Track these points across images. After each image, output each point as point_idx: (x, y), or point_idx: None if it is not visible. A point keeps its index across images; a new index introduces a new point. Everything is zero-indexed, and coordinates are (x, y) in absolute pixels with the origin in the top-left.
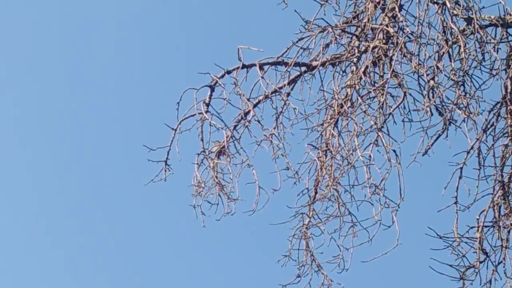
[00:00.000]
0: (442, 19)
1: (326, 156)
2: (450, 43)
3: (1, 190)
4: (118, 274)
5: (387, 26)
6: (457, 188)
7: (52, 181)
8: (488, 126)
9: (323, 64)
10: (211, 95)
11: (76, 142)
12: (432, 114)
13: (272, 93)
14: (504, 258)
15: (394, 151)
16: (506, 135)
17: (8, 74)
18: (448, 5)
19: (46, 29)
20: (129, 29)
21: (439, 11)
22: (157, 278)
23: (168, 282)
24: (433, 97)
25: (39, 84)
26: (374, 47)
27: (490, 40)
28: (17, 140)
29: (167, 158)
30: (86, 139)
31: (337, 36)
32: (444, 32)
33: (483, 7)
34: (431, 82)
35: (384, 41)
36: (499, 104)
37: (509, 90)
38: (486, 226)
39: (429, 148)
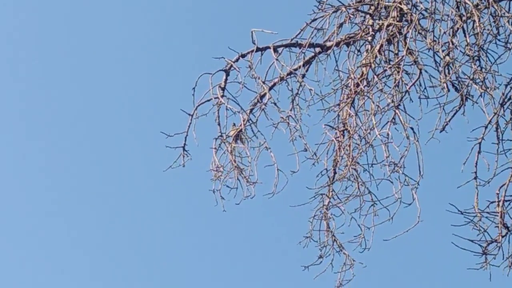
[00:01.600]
0: None
1: (343, 136)
2: (464, 18)
3: (17, 181)
4: (138, 260)
5: (400, 3)
6: (476, 163)
7: (69, 169)
8: (505, 100)
9: (337, 44)
10: (226, 79)
11: (93, 130)
12: (448, 90)
13: (287, 75)
14: None
15: (412, 128)
16: None
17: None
18: None
19: (69, 17)
20: (143, 15)
21: None
22: (178, 263)
23: (189, 267)
24: (449, 73)
25: (56, 71)
26: (388, 25)
27: (504, 13)
28: (32, 129)
29: (184, 144)
30: (104, 127)
31: (351, 16)
32: (457, 7)
33: None
34: (447, 58)
35: (398, 18)
36: None
37: None
38: (507, 201)
39: (447, 124)
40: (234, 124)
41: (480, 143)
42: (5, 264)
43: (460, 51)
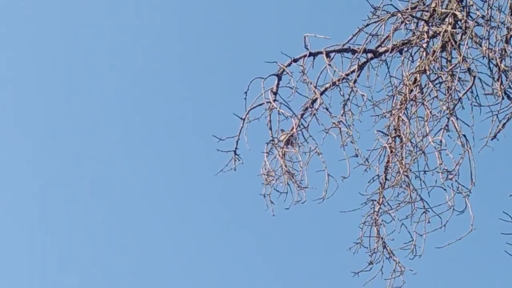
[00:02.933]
0: (511, 1)
1: (395, 142)
2: None
3: (42, 179)
4: (188, 263)
5: (455, 10)
6: None
7: (125, 173)
8: None
9: (390, 50)
10: (278, 83)
11: (148, 134)
12: (503, 98)
13: (339, 80)
14: None
15: (465, 136)
16: None
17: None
18: None
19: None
20: (197, 17)
21: None
22: (228, 266)
23: (239, 270)
24: (506, 80)
25: (113, 76)
26: (444, 32)
27: None
28: (75, 131)
29: (236, 148)
30: (157, 131)
31: (406, 22)
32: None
33: None
34: (502, 65)
35: (452, 25)
36: None
37: None
38: None
39: (499, 132)
40: (283, 130)
41: None
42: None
43: None
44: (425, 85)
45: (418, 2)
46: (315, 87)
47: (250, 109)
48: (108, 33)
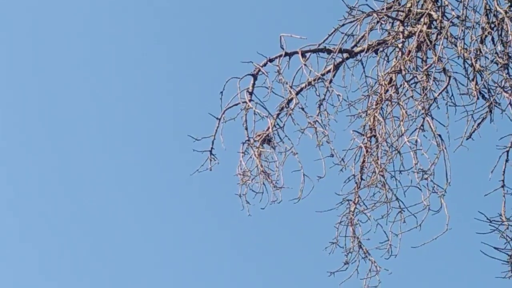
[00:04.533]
0: (486, 2)
1: (371, 142)
2: (493, 26)
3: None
4: (164, 263)
5: (430, 10)
6: (504, 172)
7: (102, 171)
8: None
9: (366, 50)
10: (254, 83)
11: (123, 133)
12: (478, 98)
13: (314, 80)
14: None
15: (440, 135)
16: None
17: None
18: None
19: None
20: (172, 19)
21: None
22: (204, 267)
23: (214, 271)
24: (481, 80)
25: (91, 77)
26: (419, 32)
27: None
28: (56, 133)
29: (212, 148)
30: (132, 131)
31: (382, 22)
32: (487, 15)
33: None
34: (477, 65)
35: (427, 25)
36: None
37: None
38: None
39: (474, 132)
40: (260, 130)
41: (508, 152)
42: None
43: (486, 58)
44: (401, 85)
45: (393, 2)
46: (291, 87)
47: (226, 109)
48: (87, 34)
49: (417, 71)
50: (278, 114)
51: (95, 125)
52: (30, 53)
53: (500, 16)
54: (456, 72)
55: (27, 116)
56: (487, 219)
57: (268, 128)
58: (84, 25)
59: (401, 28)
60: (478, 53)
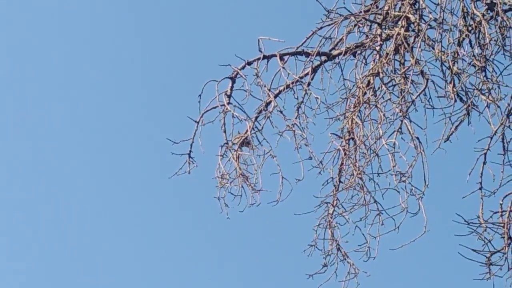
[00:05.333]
0: (463, 5)
1: (349, 145)
2: (470, 28)
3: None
4: (143, 267)
5: (408, 13)
6: (482, 174)
7: (77, 173)
8: (511, 111)
9: (344, 53)
10: (232, 86)
11: (101, 136)
12: (455, 101)
13: (293, 83)
14: None
15: (418, 138)
16: None
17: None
18: None
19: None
20: (150, 20)
21: None
22: (182, 270)
23: (193, 273)
24: (458, 83)
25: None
26: (397, 35)
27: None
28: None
29: (190, 151)
30: (110, 133)
31: (359, 25)
32: (464, 18)
33: None
34: (455, 68)
35: (405, 28)
36: None
37: None
38: None
39: (451, 134)
40: (239, 132)
41: (485, 154)
42: None
43: (465, 60)
44: (379, 87)
45: (371, 5)
46: (269, 90)
47: (204, 112)
48: (62, 36)
49: (395, 73)
50: (256, 117)
51: (73, 127)
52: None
53: (477, 19)
54: (434, 75)
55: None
56: (465, 221)
57: (247, 131)
58: (59, 24)
59: (379, 31)
60: (456, 55)
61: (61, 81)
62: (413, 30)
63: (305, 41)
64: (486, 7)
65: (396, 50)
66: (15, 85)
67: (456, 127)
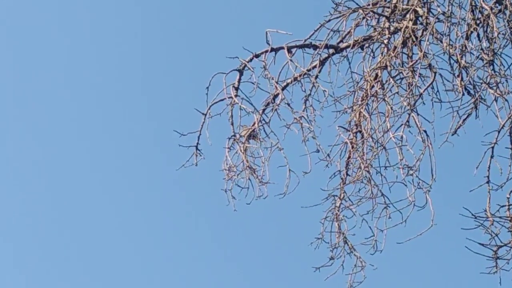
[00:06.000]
0: None
1: (357, 138)
2: (479, 22)
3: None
4: (150, 259)
5: (416, 6)
6: (489, 168)
7: (84, 166)
8: None
9: (352, 46)
10: (240, 79)
11: (108, 129)
12: (463, 94)
13: (300, 75)
14: None
15: (425, 131)
16: None
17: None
18: None
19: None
20: (159, 12)
21: None
22: (189, 262)
23: (200, 265)
24: (466, 76)
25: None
26: (405, 28)
27: None
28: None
29: (197, 143)
30: (117, 126)
31: (367, 18)
32: (472, 11)
33: None
34: (463, 62)
35: (413, 21)
36: None
37: None
38: None
39: (459, 127)
40: (245, 126)
41: (493, 148)
42: None
43: (473, 54)
44: (386, 81)
45: None
46: (277, 82)
47: (212, 104)
48: (65, 29)
49: (402, 67)
50: (264, 110)
51: (80, 121)
52: None
53: (485, 13)
54: (442, 68)
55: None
56: (472, 215)
57: (254, 123)
58: (62, 19)
59: (387, 24)
60: (464, 49)
61: (66, 73)
62: (421, 24)
63: (312, 34)
64: (495, 0)
65: (404, 43)
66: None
67: (464, 120)
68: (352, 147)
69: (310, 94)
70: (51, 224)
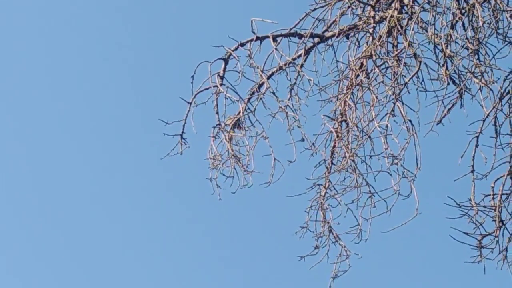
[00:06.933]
0: None
1: (342, 127)
2: (464, 11)
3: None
4: (132, 247)
5: None
6: (474, 157)
7: (67, 154)
8: (504, 94)
9: (337, 35)
10: (225, 67)
11: (92, 117)
12: (448, 84)
13: (286, 64)
14: None
15: (410, 121)
16: None
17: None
18: None
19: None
20: (143, 1)
21: None
22: (174, 251)
23: (184, 255)
24: (451, 65)
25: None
26: (390, 17)
27: (505, 8)
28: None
29: (182, 132)
30: (102, 114)
31: (353, 7)
32: (457, 0)
33: None
34: (448, 51)
35: (398, 10)
36: None
37: None
38: (504, 194)
39: (444, 117)
40: (230, 116)
41: (478, 137)
42: None
43: (458, 43)
44: (371, 70)
45: None
46: (262, 71)
47: (197, 93)
48: (44, 17)
49: (387, 56)
50: (249, 99)
51: (64, 110)
52: None
53: (470, 2)
54: (427, 58)
55: None
56: (457, 204)
57: (239, 112)
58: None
59: (372, 13)
60: (449, 38)
61: (48, 61)
62: (406, 13)
63: (298, 23)
64: None
65: (389, 33)
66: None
67: (449, 110)
68: (337, 136)
69: (295, 83)
70: (30, 211)
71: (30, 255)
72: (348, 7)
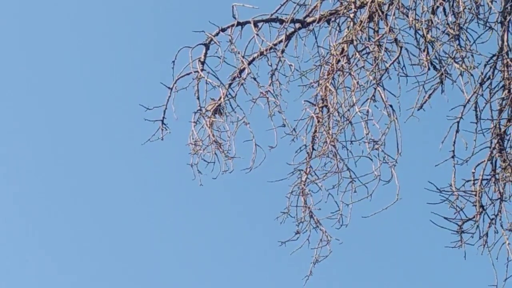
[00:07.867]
0: None
1: (323, 112)
2: None
3: None
4: (116, 234)
5: None
6: (454, 142)
7: (46, 142)
8: (484, 79)
9: (318, 20)
10: (206, 53)
11: (73, 103)
12: (429, 69)
13: (267, 50)
14: (500, 211)
15: (391, 106)
16: (503, 88)
17: None
18: None
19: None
20: None
21: None
22: (155, 237)
23: (166, 241)
24: (432, 51)
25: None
26: (371, 2)
27: None
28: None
29: (163, 117)
30: (83, 100)
31: None
32: None
33: None
34: (429, 36)
35: None
36: (495, 57)
37: (505, 43)
38: (484, 179)
39: (425, 102)
40: (213, 99)
41: (458, 122)
42: None
43: (438, 28)
44: (352, 55)
45: None
46: (243, 56)
47: (178, 79)
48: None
49: (369, 41)
50: (230, 84)
51: (44, 95)
52: None
53: None
54: (408, 43)
55: None
56: (437, 189)
57: (220, 97)
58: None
59: None
60: (430, 23)
61: (30, 45)
62: None
63: (279, 8)
64: None
65: (370, 18)
66: None
67: (430, 95)
68: (318, 121)
69: (276, 69)
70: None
71: (29, 255)
72: None
